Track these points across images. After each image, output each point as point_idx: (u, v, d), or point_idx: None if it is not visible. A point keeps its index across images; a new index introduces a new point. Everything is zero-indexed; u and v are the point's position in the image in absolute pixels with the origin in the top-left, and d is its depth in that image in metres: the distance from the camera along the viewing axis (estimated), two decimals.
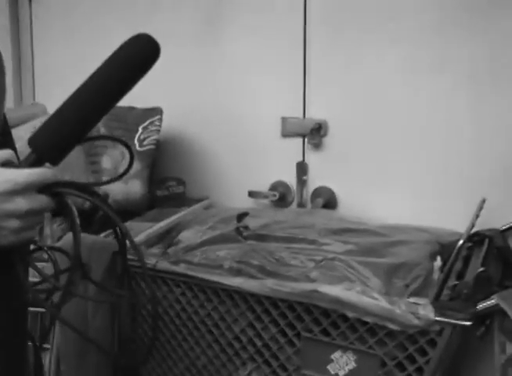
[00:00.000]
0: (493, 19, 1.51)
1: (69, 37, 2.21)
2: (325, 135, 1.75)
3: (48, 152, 0.77)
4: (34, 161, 0.77)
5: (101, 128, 1.74)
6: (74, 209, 0.78)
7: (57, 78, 2.21)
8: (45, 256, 0.89)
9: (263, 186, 1.85)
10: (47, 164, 0.77)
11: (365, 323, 1.15)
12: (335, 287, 1.17)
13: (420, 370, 1.13)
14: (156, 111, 1.80)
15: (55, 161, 0.78)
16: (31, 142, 0.78)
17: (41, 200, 0.75)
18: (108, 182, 0.86)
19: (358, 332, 1.17)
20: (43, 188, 0.76)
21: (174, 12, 1.97)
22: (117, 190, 1.63)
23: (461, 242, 1.20)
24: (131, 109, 1.83)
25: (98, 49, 2.06)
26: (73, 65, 2.15)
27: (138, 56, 0.80)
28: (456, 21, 1.54)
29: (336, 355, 1.22)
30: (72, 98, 0.79)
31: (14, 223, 0.73)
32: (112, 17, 2.08)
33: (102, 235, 1.46)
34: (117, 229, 0.86)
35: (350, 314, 1.16)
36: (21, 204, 0.73)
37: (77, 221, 0.78)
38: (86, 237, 1.42)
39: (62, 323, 1.10)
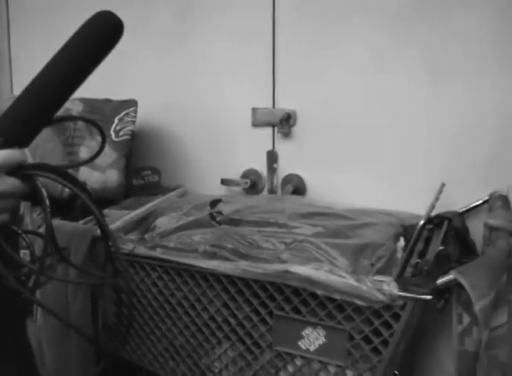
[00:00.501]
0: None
1: (47, 32, 2.22)
2: (294, 124, 1.81)
3: (16, 135, 0.77)
4: (2, 144, 0.76)
5: None
6: (44, 192, 0.78)
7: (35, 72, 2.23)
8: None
9: (235, 174, 1.91)
10: (15, 148, 0.77)
11: (334, 300, 1.21)
12: (305, 267, 1.23)
13: (385, 342, 1.19)
14: (132, 103, 1.83)
15: (23, 144, 0.78)
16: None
17: (11, 183, 0.73)
18: (78, 165, 0.87)
19: (328, 309, 1.23)
20: (12, 170, 0.75)
21: (147, 7, 2.00)
22: (94, 179, 1.67)
23: (421, 223, 1.27)
24: (108, 101, 1.86)
25: None
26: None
27: (100, 32, 0.80)
28: (416, 13, 1.62)
29: (306, 331, 1.28)
30: (36, 79, 0.79)
31: None
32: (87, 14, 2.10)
33: (82, 222, 1.50)
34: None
35: (319, 292, 1.22)
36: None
37: (47, 203, 0.77)
38: (66, 224, 1.46)
39: (39, 305, 1.10)
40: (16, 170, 0.76)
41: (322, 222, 1.46)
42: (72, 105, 1.84)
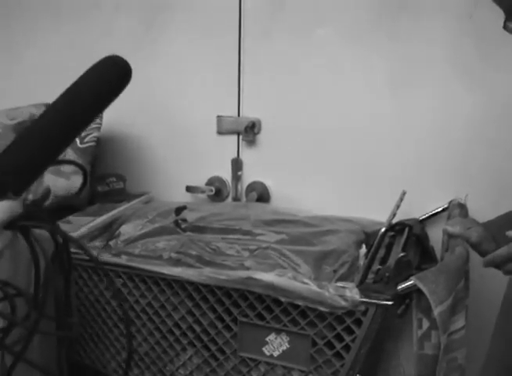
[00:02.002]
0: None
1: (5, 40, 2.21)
2: (258, 132, 1.83)
3: (13, 180, 0.71)
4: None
5: None
6: (38, 247, 0.75)
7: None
8: None
9: (200, 181, 1.92)
10: (9, 194, 0.71)
11: (297, 306, 1.22)
12: (268, 274, 1.24)
13: (347, 347, 1.21)
14: None
15: (18, 191, 0.71)
16: None
17: (5, 238, 0.69)
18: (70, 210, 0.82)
19: (291, 315, 1.24)
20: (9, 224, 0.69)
21: (114, 14, 2.00)
22: (59, 186, 1.65)
23: (383, 230, 1.30)
24: None
25: (34, 49, 2.09)
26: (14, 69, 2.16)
27: (107, 78, 0.77)
28: (374, 25, 1.65)
29: (270, 337, 1.29)
30: (39, 122, 0.74)
31: None
32: (51, 15, 2.09)
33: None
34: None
35: (283, 298, 1.23)
36: None
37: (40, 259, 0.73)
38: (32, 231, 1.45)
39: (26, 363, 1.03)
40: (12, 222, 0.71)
41: (286, 230, 1.48)
42: (37, 110, 1.83)
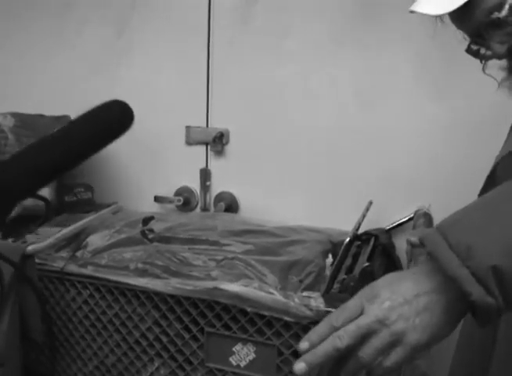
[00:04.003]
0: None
1: None
2: (227, 143, 1.84)
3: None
4: None
5: (9, 134, 1.75)
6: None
7: None
8: None
9: (168, 191, 1.92)
10: None
11: (263, 316, 1.24)
12: (234, 284, 1.26)
13: None
14: (65, 119, 1.81)
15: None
16: None
17: None
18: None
19: (257, 325, 1.26)
20: None
21: (85, 23, 2.00)
22: None
23: (347, 240, 1.32)
24: (41, 117, 1.84)
25: (12, 51, 2.07)
26: None
27: (111, 123, 0.75)
28: (341, 37, 1.68)
29: (237, 347, 1.30)
30: (28, 153, 0.71)
31: None
32: (28, 16, 2.08)
33: (11, 239, 1.48)
34: None
35: (249, 308, 1.24)
36: None
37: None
38: None
39: None
40: None
41: (253, 240, 1.49)
42: (3, 120, 1.81)
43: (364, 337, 0.67)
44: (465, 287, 0.62)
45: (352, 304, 0.70)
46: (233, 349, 1.30)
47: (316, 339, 0.68)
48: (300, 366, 0.67)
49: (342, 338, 0.66)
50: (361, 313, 0.68)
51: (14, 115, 1.84)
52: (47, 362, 1.53)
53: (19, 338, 1.42)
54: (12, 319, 1.42)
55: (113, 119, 0.76)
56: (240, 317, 1.27)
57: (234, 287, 1.25)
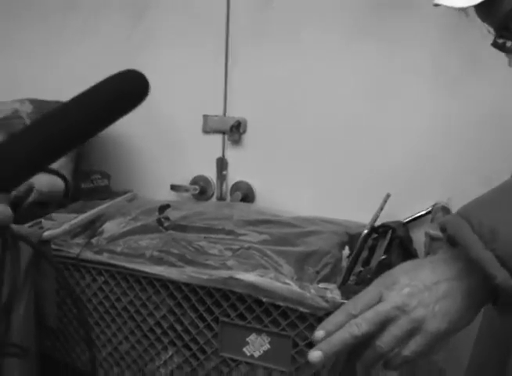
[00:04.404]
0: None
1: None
2: (244, 132, 1.83)
3: (4, 177, 0.66)
4: None
5: (27, 120, 1.75)
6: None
7: None
8: None
9: (185, 180, 1.91)
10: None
11: (279, 306, 1.22)
12: (250, 274, 1.24)
13: None
14: None
15: (8, 188, 0.67)
16: None
17: None
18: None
19: (272, 315, 1.24)
20: None
21: (101, 13, 1.99)
22: (42, 183, 1.64)
23: (365, 232, 1.31)
24: (58, 103, 1.83)
25: (32, 37, 2.07)
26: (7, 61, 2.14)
27: (122, 92, 0.73)
28: (363, 27, 1.66)
29: (251, 337, 1.29)
30: (42, 122, 0.70)
31: None
32: (31, 14, 2.07)
33: (28, 225, 1.48)
34: None
35: (264, 299, 1.23)
36: None
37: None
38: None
39: None
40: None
41: (269, 230, 1.48)
42: (21, 106, 1.82)
43: (382, 324, 0.65)
44: (488, 269, 0.61)
45: (370, 291, 0.69)
46: (247, 339, 1.29)
47: (332, 327, 0.67)
48: (315, 354, 0.66)
49: (360, 325, 0.65)
50: (379, 301, 0.67)
51: (32, 101, 1.84)
52: (62, 348, 1.53)
53: (34, 324, 1.43)
54: (28, 305, 1.42)
55: (125, 88, 0.74)
56: (255, 307, 1.26)
57: (250, 277, 1.23)
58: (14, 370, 1.40)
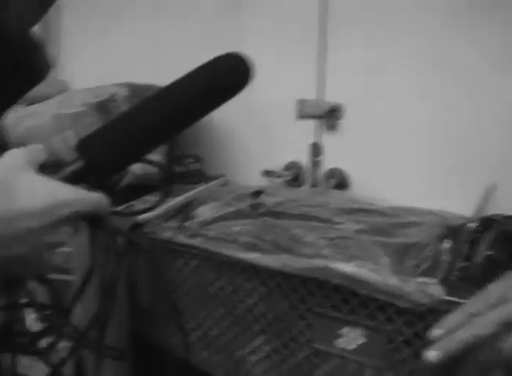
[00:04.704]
0: None
1: (102, 20, 2.22)
2: (341, 117, 1.77)
3: (101, 165, 0.64)
4: (80, 171, 0.63)
5: (122, 104, 1.76)
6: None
7: (83, 57, 2.24)
8: None
9: (277, 165, 1.88)
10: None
11: (375, 300, 1.18)
12: (347, 265, 1.20)
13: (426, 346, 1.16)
14: None
15: (102, 178, 0.65)
16: (82, 145, 0.64)
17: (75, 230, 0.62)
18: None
19: (368, 309, 1.20)
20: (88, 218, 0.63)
21: None
22: (137, 166, 1.65)
23: (470, 225, 1.23)
24: (154, 87, 1.84)
25: (137, 34, 2.09)
26: (103, 48, 2.17)
27: (226, 77, 0.70)
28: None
29: (345, 330, 1.25)
30: (144, 107, 0.67)
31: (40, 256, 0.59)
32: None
33: (121, 208, 1.49)
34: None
35: (360, 291, 1.19)
36: (62, 236, 0.59)
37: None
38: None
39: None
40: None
41: (366, 219, 1.43)
42: (118, 90, 1.83)
43: (507, 326, 0.61)
44: None
45: (492, 291, 0.65)
46: (340, 332, 1.25)
47: (452, 326, 0.63)
48: (433, 353, 0.63)
49: (483, 326, 0.61)
50: (502, 302, 0.62)
51: (129, 85, 1.85)
52: (153, 330, 1.54)
53: (128, 304, 1.45)
54: (122, 291, 1.44)
55: (224, 74, 0.70)
56: (351, 299, 1.22)
57: (346, 268, 1.19)
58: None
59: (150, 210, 0.98)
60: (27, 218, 0.54)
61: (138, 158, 0.68)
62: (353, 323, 1.23)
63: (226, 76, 0.70)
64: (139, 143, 0.65)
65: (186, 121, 0.69)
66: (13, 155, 0.59)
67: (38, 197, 0.56)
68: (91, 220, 0.65)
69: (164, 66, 2.00)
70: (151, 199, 1.56)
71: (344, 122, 1.77)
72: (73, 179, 0.62)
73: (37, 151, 0.61)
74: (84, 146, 0.65)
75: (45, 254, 0.59)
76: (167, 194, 0.80)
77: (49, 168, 0.62)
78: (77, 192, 0.60)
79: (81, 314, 0.80)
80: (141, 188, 1.60)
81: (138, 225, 1.40)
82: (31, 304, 0.69)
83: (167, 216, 1.51)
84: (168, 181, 1.63)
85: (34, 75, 0.79)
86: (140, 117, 0.66)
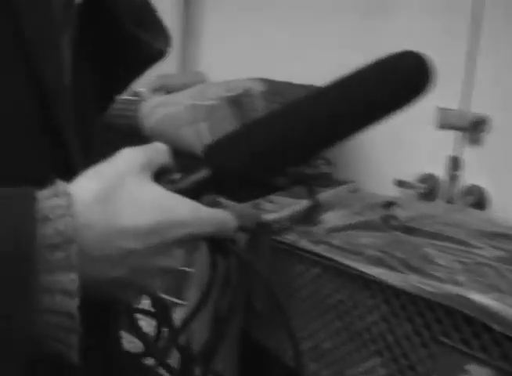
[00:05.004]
0: None
1: (243, 16, 2.20)
2: (485, 131, 1.65)
3: (233, 177, 0.53)
4: (205, 181, 0.53)
5: (258, 100, 1.73)
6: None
7: (224, 50, 2.24)
8: None
9: (409, 176, 1.78)
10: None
11: (511, 339, 1.06)
12: (483, 296, 1.10)
13: None
14: (312, 89, 1.76)
15: (230, 192, 0.55)
16: (210, 151, 0.53)
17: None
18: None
19: (502, 348, 1.09)
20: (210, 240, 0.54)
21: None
22: None
23: None
24: (289, 84, 1.80)
25: (276, 32, 2.07)
26: (240, 43, 2.16)
27: (412, 79, 0.57)
28: None
29: (472, 367, 1.14)
30: (296, 111, 0.55)
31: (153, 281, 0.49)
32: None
33: (247, 205, 1.46)
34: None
35: (496, 327, 1.08)
36: (175, 261, 0.49)
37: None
38: (229, 206, 1.42)
39: None
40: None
41: (507, 246, 1.31)
42: (252, 84, 1.80)
43: None
44: None
45: None
46: (467, 368, 1.15)
47: None
48: None
49: None
50: None
51: (264, 81, 1.81)
52: (264, 333, 1.49)
53: (242, 302, 1.41)
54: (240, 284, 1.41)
55: (409, 76, 0.57)
56: (483, 334, 1.11)
57: (482, 299, 1.09)
58: None
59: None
60: (128, 239, 0.45)
61: (281, 171, 0.57)
62: (483, 362, 1.12)
63: (411, 78, 0.58)
64: (289, 153, 0.54)
65: (354, 128, 0.58)
66: (127, 156, 0.49)
67: (146, 214, 0.46)
68: (212, 243, 0.56)
69: (301, 66, 1.96)
70: (277, 199, 1.52)
71: (490, 137, 1.64)
72: (195, 192, 0.52)
73: (158, 153, 0.51)
74: (215, 151, 0.54)
75: (150, 281, 0.49)
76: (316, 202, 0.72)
77: (169, 173, 0.52)
78: (198, 210, 0.50)
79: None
80: (267, 187, 1.56)
81: (263, 225, 1.36)
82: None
83: (294, 218, 1.46)
84: (298, 182, 1.60)
85: (149, 53, 0.72)
86: (299, 121, 0.55)
